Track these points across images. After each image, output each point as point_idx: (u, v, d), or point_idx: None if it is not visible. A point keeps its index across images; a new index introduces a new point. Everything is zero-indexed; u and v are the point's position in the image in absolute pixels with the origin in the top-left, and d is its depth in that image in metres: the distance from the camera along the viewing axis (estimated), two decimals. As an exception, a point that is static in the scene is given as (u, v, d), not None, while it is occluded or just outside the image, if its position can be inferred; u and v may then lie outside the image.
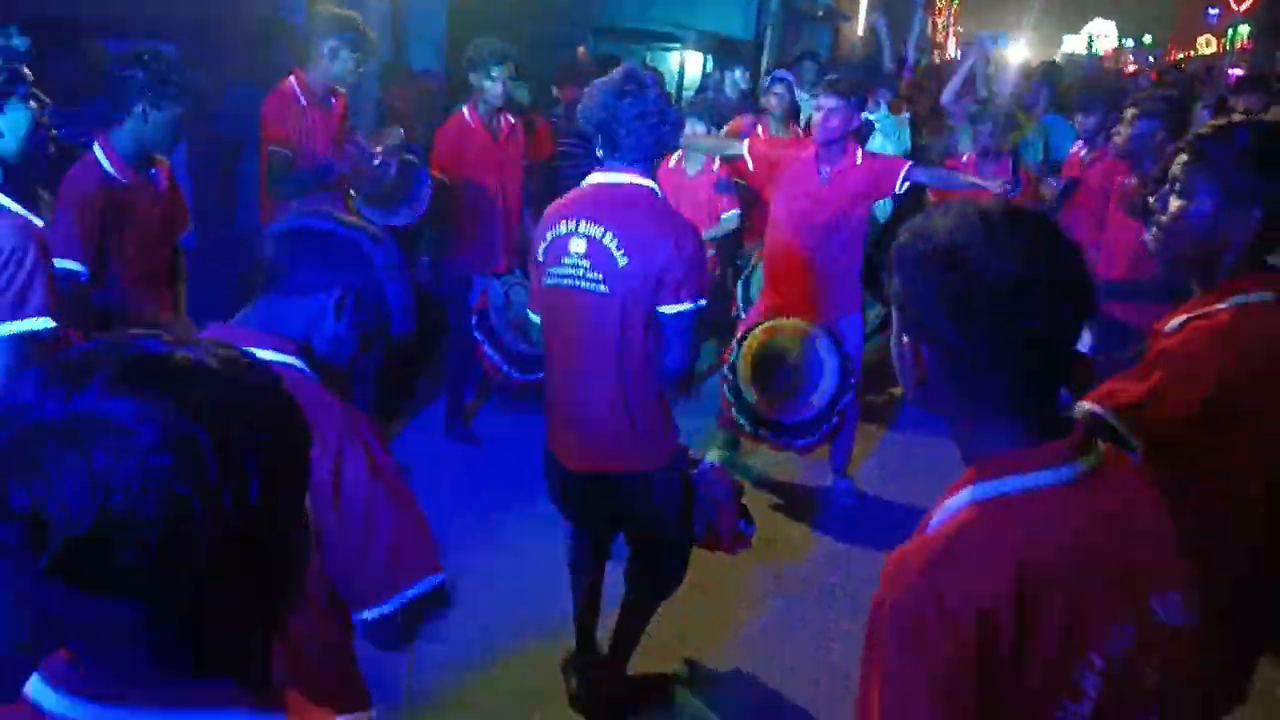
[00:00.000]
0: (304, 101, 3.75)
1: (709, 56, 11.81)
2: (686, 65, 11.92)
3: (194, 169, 4.53)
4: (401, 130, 3.97)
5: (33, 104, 2.36)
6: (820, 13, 15.59)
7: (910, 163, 4.25)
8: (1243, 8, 32.08)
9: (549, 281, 2.62)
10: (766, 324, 3.93)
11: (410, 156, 3.88)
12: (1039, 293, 1.10)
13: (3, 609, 0.80)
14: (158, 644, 0.77)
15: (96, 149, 2.91)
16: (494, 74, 4.23)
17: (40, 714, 0.79)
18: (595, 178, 2.62)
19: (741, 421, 3.81)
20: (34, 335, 2.18)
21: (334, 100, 3.89)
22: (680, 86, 10.99)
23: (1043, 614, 1.07)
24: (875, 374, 4.89)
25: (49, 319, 2.20)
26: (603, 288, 2.52)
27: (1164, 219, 1.82)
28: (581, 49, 8.98)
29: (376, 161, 3.70)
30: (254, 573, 0.79)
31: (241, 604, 0.80)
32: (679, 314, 2.52)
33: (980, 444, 1.19)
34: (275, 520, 0.79)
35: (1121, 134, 3.92)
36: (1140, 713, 1.12)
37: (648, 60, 12.28)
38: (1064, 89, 6.64)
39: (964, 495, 1.16)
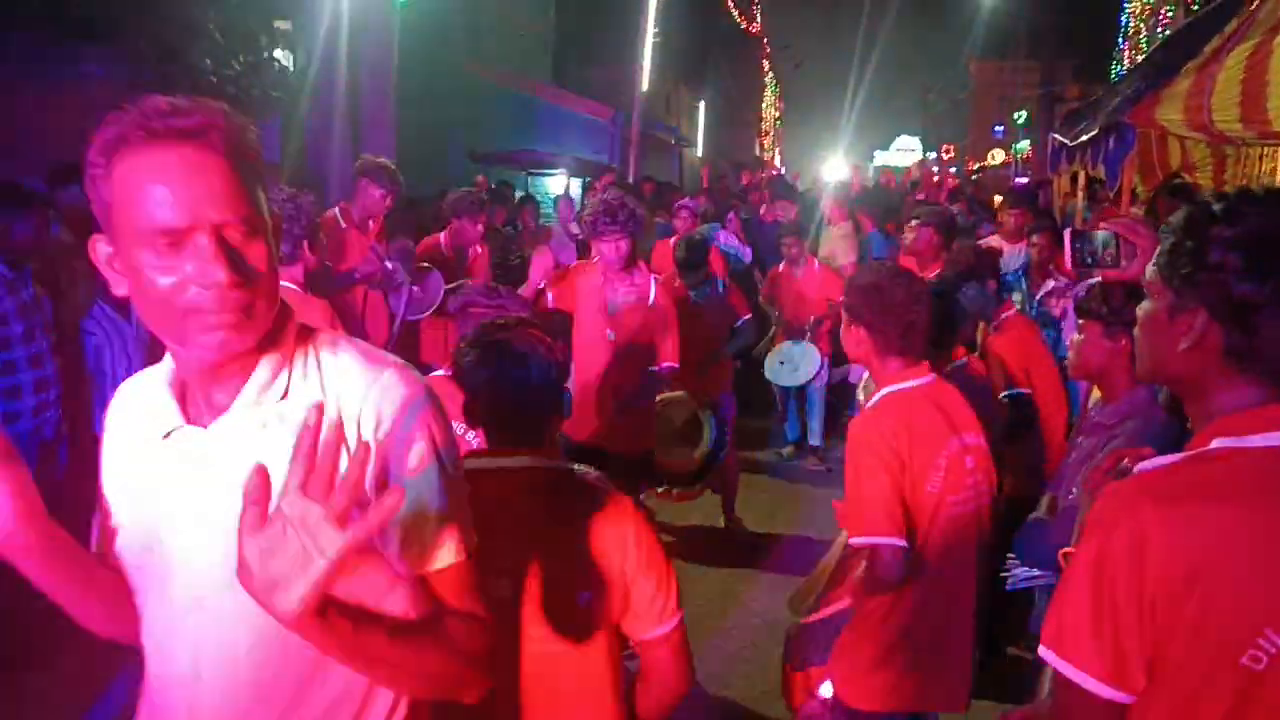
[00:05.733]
0: (344, 224, 4.87)
1: (585, 179, 13.03)
2: (569, 188, 12.97)
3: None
4: (410, 243, 5.10)
5: None
6: (673, 140, 17.65)
7: None
8: (1019, 122, 37.07)
9: None
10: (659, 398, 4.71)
11: (424, 264, 5.00)
12: (914, 301, 2.43)
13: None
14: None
15: None
16: None
17: None
18: None
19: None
20: None
21: (371, 223, 5.02)
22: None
23: (919, 436, 2.35)
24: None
25: None
26: None
27: None
28: (481, 178, 10.18)
29: (390, 266, 4.78)
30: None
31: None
32: None
33: (885, 371, 2.49)
34: None
35: (906, 237, 5.29)
36: (964, 480, 2.42)
37: (529, 185, 13.46)
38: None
39: (882, 393, 2.46)
